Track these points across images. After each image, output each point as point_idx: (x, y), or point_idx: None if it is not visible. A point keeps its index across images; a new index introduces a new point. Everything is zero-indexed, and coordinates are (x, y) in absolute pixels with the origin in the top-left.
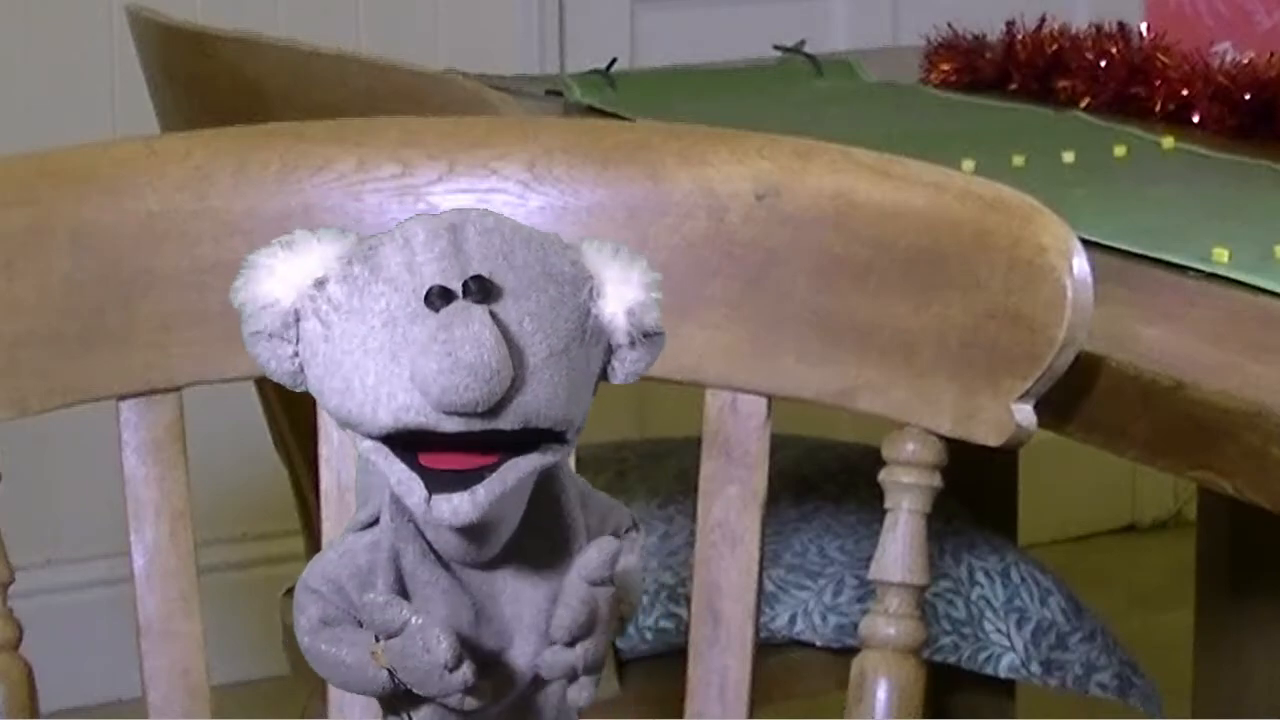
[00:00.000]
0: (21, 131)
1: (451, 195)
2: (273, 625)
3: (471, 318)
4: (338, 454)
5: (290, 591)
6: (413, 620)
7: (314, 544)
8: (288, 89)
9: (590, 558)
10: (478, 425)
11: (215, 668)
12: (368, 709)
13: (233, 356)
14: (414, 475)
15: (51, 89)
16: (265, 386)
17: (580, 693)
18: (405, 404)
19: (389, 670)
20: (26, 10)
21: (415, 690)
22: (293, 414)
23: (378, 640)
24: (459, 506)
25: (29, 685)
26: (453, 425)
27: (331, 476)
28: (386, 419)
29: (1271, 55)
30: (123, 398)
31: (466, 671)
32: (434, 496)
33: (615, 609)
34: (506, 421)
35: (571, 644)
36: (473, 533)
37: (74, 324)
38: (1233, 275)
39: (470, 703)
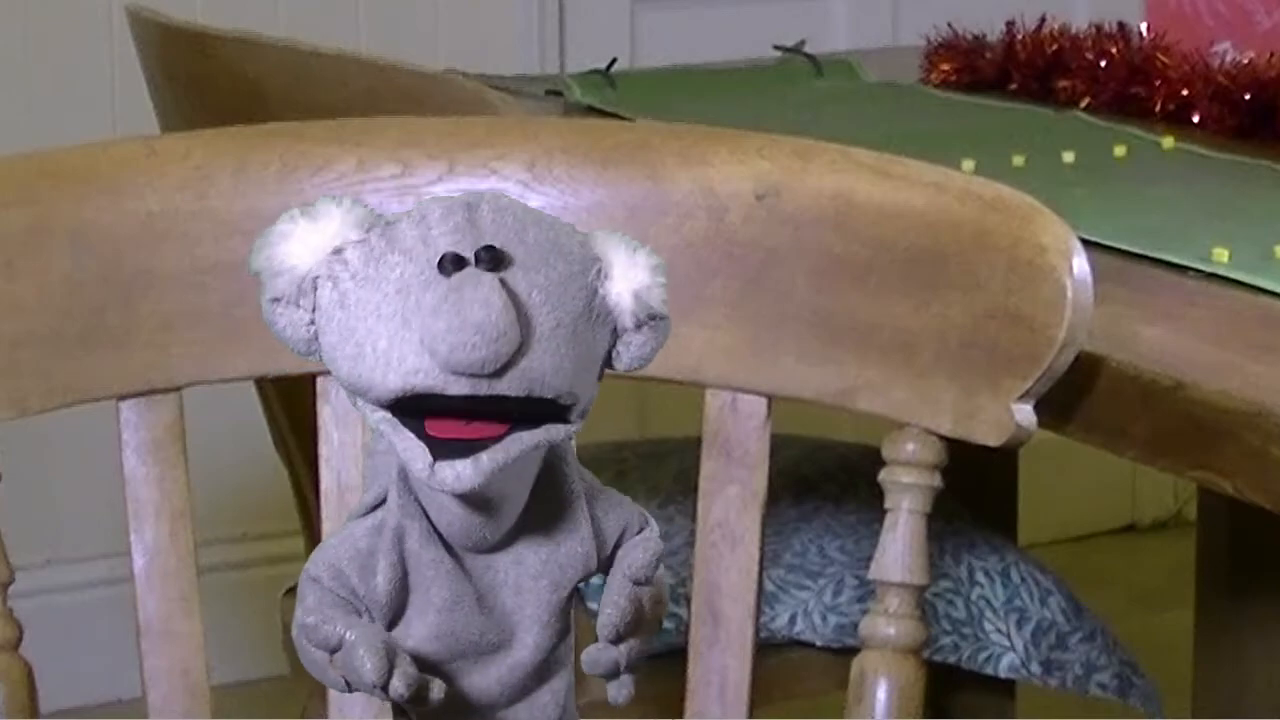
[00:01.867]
0: (21, 131)
1: (452, 195)
2: (273, 625)
3: (481, 281)
4: (338, 454)
5: (290, 591)
6: (346, 636)
7: (314, 544)
8: (288, 89)
9: (636, 557)
10: (483, 388)
11: (215, 668)
12: (367, 709)
13: (233, 356)
14: (419, 443)
15: (51, 89)
16: (265, 386)
17: (620, 690)
18: (414, 367)
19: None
20: (26, 10)
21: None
22: (293, 414)
23: None
24: (462, 472)
25: (29, 685)
26: (459, 388)
27: (331, 476)
28: (396, 382)
29: (1271, 55)
30: (123, 398)
31: (399, 684)
32: (438, 462)
33: (655, 609)
34: (511, 386)
35: (616, 641)
36: (476, 508)
37: (74, 324)
38: (1233, 275)
39: (416, 707)
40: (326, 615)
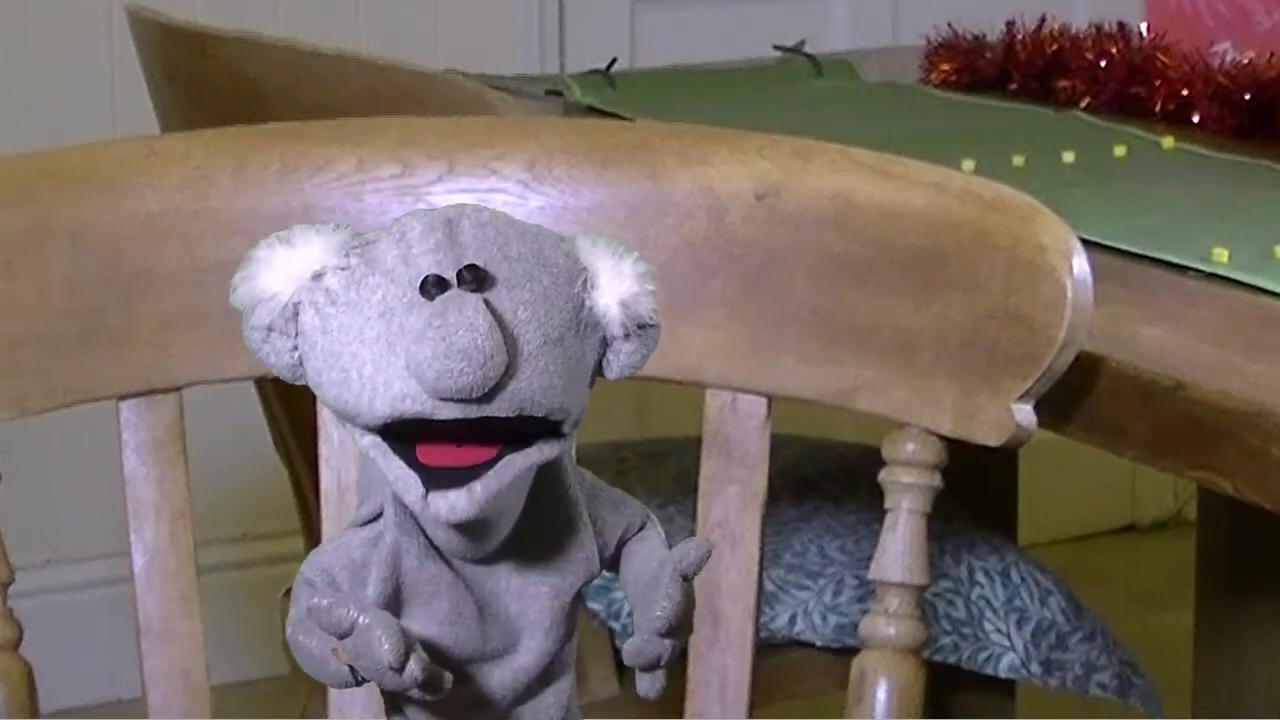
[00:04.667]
0: (21, 131)
1: (451, 195)
2: (273, 625)
3: (466, 304)
4: (338, 454)
5: (290, 592)
6: (360, 620)
7: (314, 544)
8: (288, 89)
9: (688, 553)
10: (473, 412)
11: (215, 668)
12: (367, 709)
13: (233, 356)
14: (411, 472)
15: (51, 89)
16: (265, 386)
17: (654, 684)
18: (401, 392)
19: (350, 666)
20: (26, 10)
21: (380, 685)
22: (293, 414)
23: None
24: (456, 503)
25: (29, 685)
26: (448, 412)
27: (331, 476)
28: (384, 408)
29: (1271, 55)
30: (123, 398)
31: (414, 668)
32: (431, 493)
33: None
34: (501, 408)
35: (666, 635)
36: (471, 528)
37: (74, 324)
38: (1233, 275)
39: (428, 696)
40: (339, 599)
